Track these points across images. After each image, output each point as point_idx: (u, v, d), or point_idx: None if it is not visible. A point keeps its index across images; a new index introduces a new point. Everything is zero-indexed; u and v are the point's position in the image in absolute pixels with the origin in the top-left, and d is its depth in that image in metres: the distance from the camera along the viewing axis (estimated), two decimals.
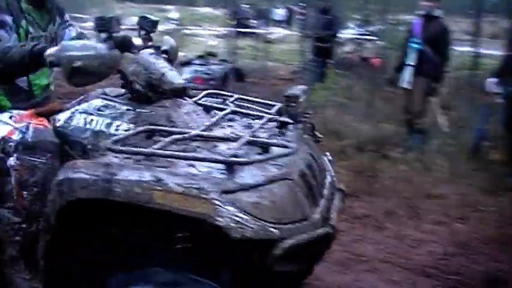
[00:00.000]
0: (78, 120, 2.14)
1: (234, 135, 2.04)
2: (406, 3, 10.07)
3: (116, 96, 2.21)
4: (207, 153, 1.85)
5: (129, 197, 1.67)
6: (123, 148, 1.77)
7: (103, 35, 2.01)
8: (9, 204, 2.07)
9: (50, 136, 2.11)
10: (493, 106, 5.57)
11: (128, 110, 2.12)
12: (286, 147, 1.92)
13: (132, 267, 1.85)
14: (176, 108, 2.13)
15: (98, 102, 2.16)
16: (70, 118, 2.17)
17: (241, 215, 1.63)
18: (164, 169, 1.72)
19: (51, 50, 1.96)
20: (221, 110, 2.35)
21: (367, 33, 11.63)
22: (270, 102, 2.57)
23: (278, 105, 2.47)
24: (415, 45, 5.87)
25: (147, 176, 1.67)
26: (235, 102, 2.51)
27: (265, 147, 1.94)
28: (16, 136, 2.08)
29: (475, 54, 8.88)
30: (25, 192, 2.04)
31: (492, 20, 11.96)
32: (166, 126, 2.00)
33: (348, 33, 12.00)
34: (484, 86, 5.53)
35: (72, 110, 2.19)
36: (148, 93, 2.13)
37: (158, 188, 1.64)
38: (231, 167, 1.72)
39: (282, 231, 1.69)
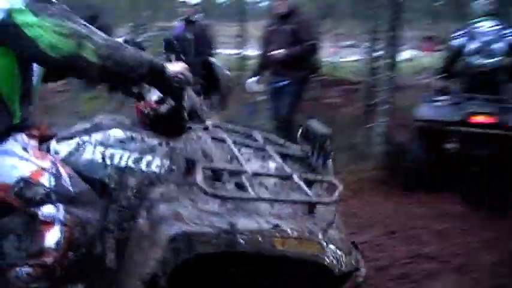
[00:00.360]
0: (92, 155, 1.77)
1: (285, 173, 1.94)
2: (171, 11, 10.29)
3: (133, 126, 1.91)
4: (292, 195, 1.85)
5: (253, 248, 1.61)
6: (227, 194, 1.70)
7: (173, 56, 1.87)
8: (36, 262, 1.60)
9: (85, 184, 1.69)
10: (257, 104, 5.81)
11: (159, 143, 1.83)
12: (331, 182, 1.92)
13: None
14: (203, 140, 1.98)
15: (119, 133, 1.81)
16: (77, 150, 1.78)
17: (338, 251, 1.71)
18: (262, 213, 1.70)
19: (178, 67, 1.68)
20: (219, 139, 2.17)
21: (140, 39, 11.54)
22: (243, 129, 2.51)
23: (256, 133, 2.38)
24: None
25: (263, 223, 1.65)
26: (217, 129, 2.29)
27: (310, 183, 1.89)
28: (47, 181, 1.61)
29: (241, 56, 9.31)
30: (71, 253, 1.62)
31: (258, 24, 12.76)
32: (204, 161, 1.86)
33: (120, 40, 11.74)
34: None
35: (77, 140, 1.80)
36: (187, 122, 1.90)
37: (277, 234, 1.63)
38: (313, 206, 1.75)
39: (355, 261, 1.82)
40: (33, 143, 1.75)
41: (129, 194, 1.76)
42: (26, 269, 1.62)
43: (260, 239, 1.61)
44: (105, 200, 1.74)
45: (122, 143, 1.80)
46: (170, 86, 1.70)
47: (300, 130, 2.24)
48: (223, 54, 11.13)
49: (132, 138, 1.82)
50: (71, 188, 1.65)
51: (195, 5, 6.26)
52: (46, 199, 1.61)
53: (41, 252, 1.61)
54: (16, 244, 1.68)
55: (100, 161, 1.77)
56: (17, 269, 1.63)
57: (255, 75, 5.72)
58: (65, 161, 1.76)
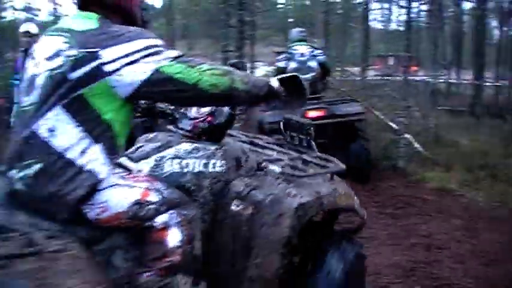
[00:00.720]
0: (171, 167, 2.12)
1: (296, 155, 2.55)
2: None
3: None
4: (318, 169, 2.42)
5: (330, 206, 2.26)
6: (298, 173, 2.29)
7: None
8: (163, 264, 1.88)
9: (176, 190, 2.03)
10: None
11: (216, 149, 2.24)
12: (325, 157, 2.54)
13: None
14: (235, 141, 2.53)
15: (187, 146, 2.20)
16: (158, 166, 2.12)
17: (358, 200, 2.50)
18: (316, 183, 2.30)
19: (277, 81, 2.02)
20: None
21: None
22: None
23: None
24: (17, 82, 5.56)
25: (329, 188, 2.28)
26: None
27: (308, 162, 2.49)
28: (155, 197, 1.88)
29: None
30: (189, 246, 1.94)
31: None
32: (244, 157, 2.34)
33: None
34: None
35: (155, 157, 2.15)
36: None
37: (337, 194, 2.29)
38: (333, 174, 2.41)
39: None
40: (119, 170, 1.96)
41: (205, 192, 2.14)
42: (154, 272, 1.87)
43: (332, 198, 2.25)
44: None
45: (191, 153, 2.17)
46: (278, 97, 2.04)
47: (281, 124, 2.79)
48: None
49: (197, 148, 2.20)
50: (171, 195, 1.94)
51: (34, 35, 5.89)
52: (158, 212, 1.87)
53: (165, 255, 1.88)
54: (125, 256, 1.89)
55: (178, 170, 2.12)
56: (144, 275, 1.87)
57: None
58: (154, 176, 2.06)
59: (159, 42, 1.80)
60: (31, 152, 1.72)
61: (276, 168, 2.31)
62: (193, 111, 2.37)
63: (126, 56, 1.72)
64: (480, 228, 4.88)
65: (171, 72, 1.74)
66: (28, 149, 1.73)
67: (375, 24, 30.42)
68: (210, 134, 2.33)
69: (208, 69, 1.79)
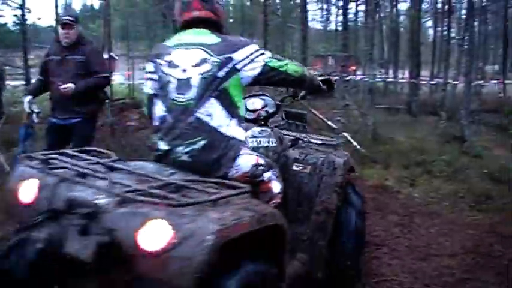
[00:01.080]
0: (252, 143, 3.00)
1: (305, 136, 3.63)
2: None
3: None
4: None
5: (351, 163, 3.39)
6: (332, 143, 3.70)
7: None
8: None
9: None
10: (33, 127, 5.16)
11: (271, 131, 3.18)
12: (327, 136, 4.06)
13: None
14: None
15: (258, 129, 3.13)
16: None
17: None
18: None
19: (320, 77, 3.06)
20: None
21: None
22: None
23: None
24: None
25: (345, 152, 3.54)
26: None
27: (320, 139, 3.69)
28: (262, 161, 2.56)
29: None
30: (282, 193, 2.72)
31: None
32: (282, 136, 3.29)
33: None
34: None
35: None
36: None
37: (346, 156, 3.40)
38: (336, 146, 3.58)
39: None
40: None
41: (270, 160, 2.83)
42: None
43: (350, 159, 3.41)
44: None
45: (260, 134, 3.10)
46: (322, 88, 3.04)
47: (283, 114, 3.71)
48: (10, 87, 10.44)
49: (262, 130, 3.13)
50: (268, 160, 2.72)
51: None
52: (264, 171, 2.53)
53: (271, 198, 2.58)
54: None
55: (256, 145, 3.00)
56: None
57: (31, 94, 4.96)
58: None
59: (258, 46, 2.60)
60: (196, 132, 2.43)
61: (317, 141, 3.53)
62: (249, 105, 3.24)
63: (247, 57, 2.50)
64: (417, 223, 5.00)
65: (273, 65, 2.57)
66: (193, 131, 2.44)
67: (314, 24, 30.80)
68: (264, 120, 3.26)
69: (290, 62, 2.69)
